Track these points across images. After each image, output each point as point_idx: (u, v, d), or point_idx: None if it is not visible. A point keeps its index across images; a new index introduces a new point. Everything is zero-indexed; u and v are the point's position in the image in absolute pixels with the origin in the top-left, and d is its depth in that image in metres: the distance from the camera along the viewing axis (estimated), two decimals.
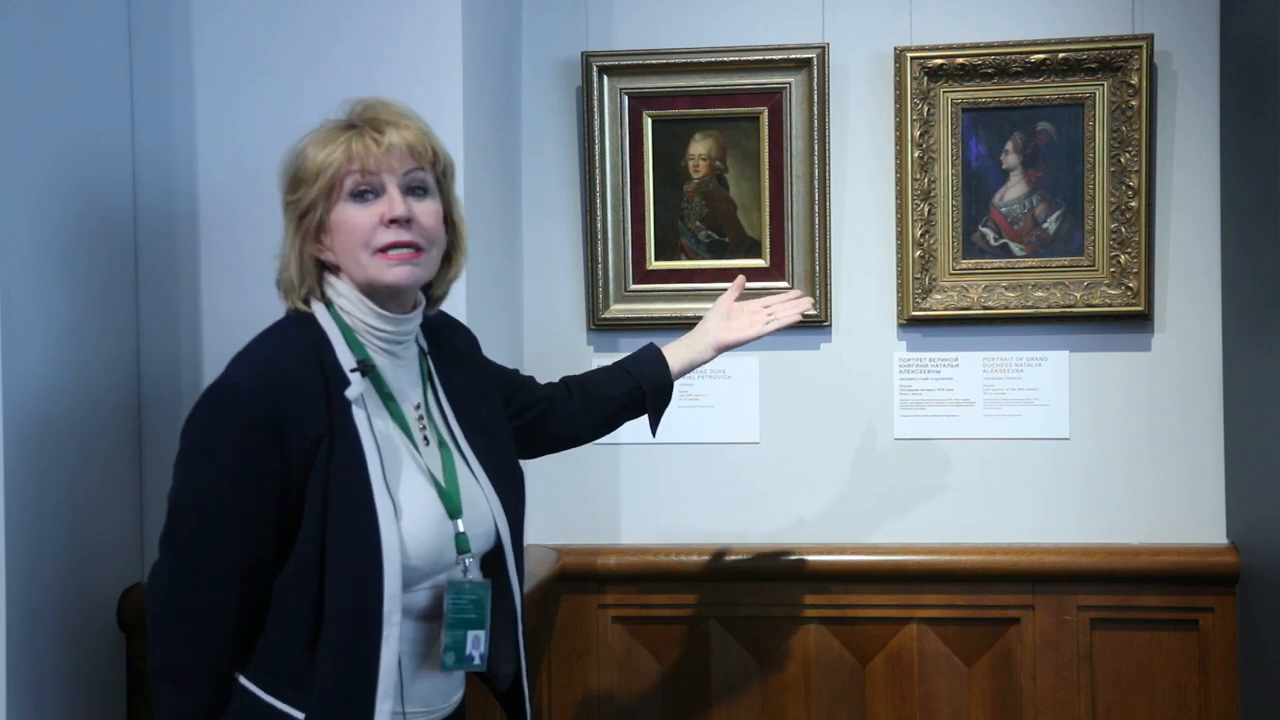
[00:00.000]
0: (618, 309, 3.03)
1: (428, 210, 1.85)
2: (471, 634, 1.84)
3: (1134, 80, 2.86)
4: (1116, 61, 2.86)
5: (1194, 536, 2.92)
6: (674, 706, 3.02)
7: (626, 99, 3.00)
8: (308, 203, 1.82)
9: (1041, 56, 2.89)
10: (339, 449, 1.76)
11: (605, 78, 2.99)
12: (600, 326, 3.04)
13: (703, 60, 2.97)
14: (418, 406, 1.91)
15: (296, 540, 1.75)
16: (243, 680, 1.78)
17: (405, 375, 1.91)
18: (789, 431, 3.02)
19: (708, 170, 3.01)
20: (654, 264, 3.02)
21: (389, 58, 2.48)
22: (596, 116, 2.99)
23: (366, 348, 1.85)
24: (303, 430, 1.74)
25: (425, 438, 1.89)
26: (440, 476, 1.87)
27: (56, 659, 2.15)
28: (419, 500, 1.81)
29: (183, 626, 1.76)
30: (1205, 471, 2.93)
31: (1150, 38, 2.86)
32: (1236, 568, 2.85)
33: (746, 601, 2.99)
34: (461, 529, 1.84)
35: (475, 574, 1.86)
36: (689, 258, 3.02)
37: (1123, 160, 2.88)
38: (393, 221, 1.81)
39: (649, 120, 3.01)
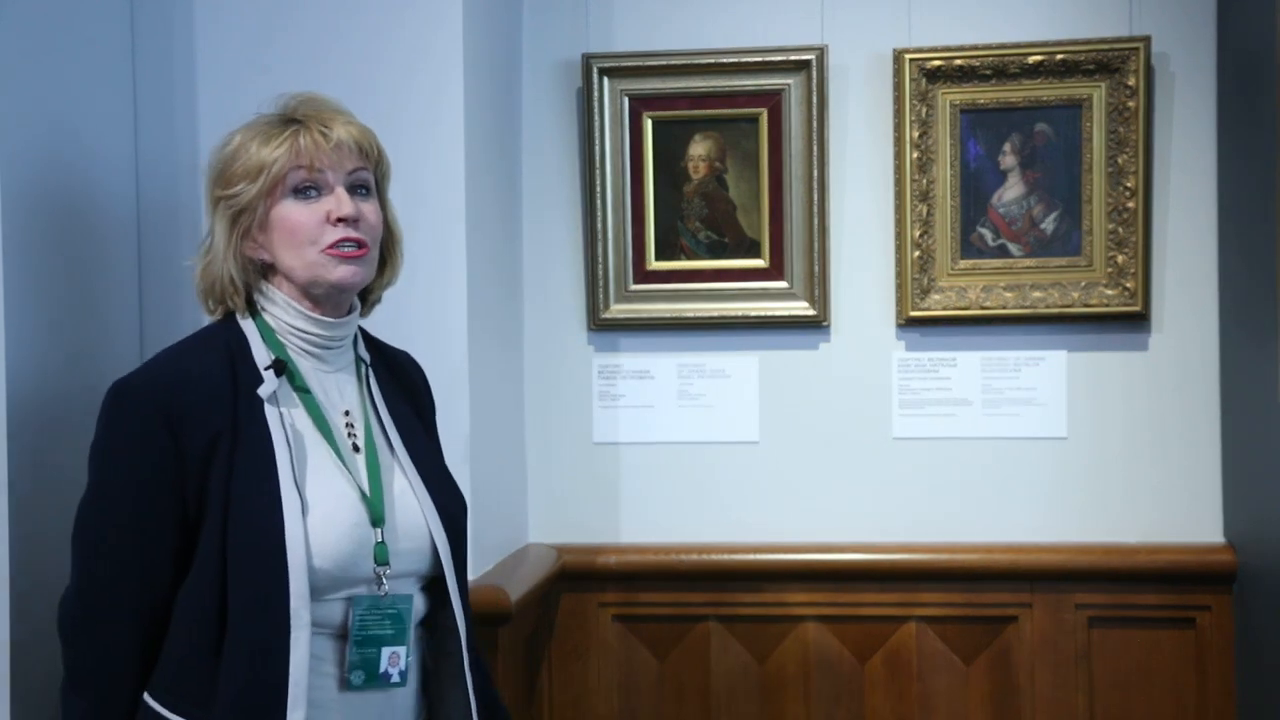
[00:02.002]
0: (618, 309, 3.04)
1: (371, 210, 1.81)
2: (388, 651, 1.74)
3: (1131, 82, 2.87)
4: (1114, 63, 2.88)
5: (1191, 535, 2.93)
6: (674, 705, 3.03)
7: (627, 100, 3.01)
8: (246, 200, 1.76)
9: (1039, 58, 2.90)
10: (243, 444, 1.70)
11: (605, 79, 3.01)
12: (600, 326, 3.05)
13: (702, 62, 2.98)
14: (347, 413, 1.84)
15: (198, 543, 1.69)
16: (148, 698, 1.71)
17: (334, 381, 1.85)
18: (788, 431, 3.03)
19: (707, 171, 3.02)
20: (654, 264, 3.04)
21: (389, 58, 2.49)
22: (597, 118, 3.01)
23: (287, 349, 1.81)
24: (201, 426, 1.69)
25: (355, 445, 1.82)
26: (365, 482, 1.79)
27: (59, 659, 2.16)
28: (334, 500, 1.73)
29: (88, 635, 1.71)
30: (1202, 471, 2.93)
31: (1148, 39, 2.87)
32: (1233, 567, 2.86)
33: (746, 600, 3.00)
34: (381, 538, 1.76)
35: (395, 588, 1.76)
36: (689, 258, 3.03)
37: (1120, 161, 2.89)
38: (340, 220, 1.76)
39: (649, 121, 3.02)
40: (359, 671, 1.73)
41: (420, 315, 2.50)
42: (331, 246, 1.76)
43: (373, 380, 1.90)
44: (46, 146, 2.19)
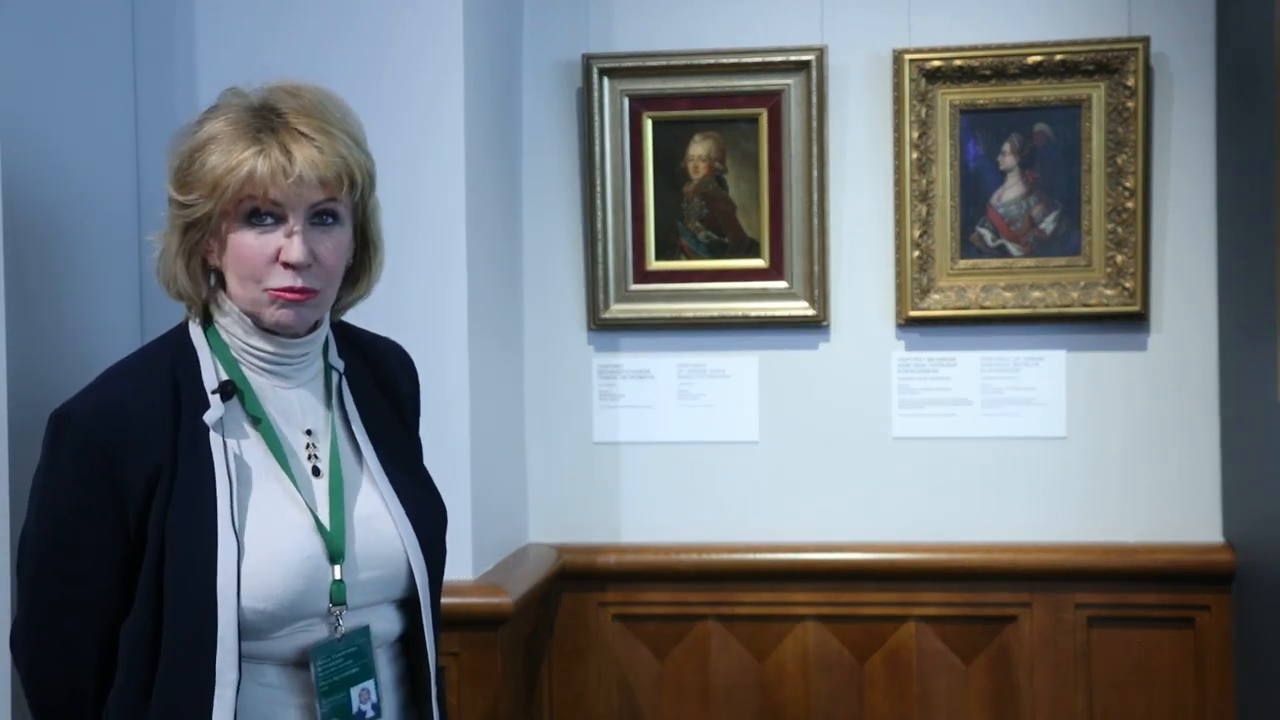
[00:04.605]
0: (618, 309, 3.05)
1: (330, 247, 1.63)
2: (356, 689, 1.63)
3: (1130, 82, 2.87)
4: (1113, 63, 2.88)
5: (1190, 535, 2.93)
6: (673, 704, 3.03)
7: (627, 100, 3.02)
8: (199, 215, 1.61)
9: (1039, 58, 2.90)
10: (183, 479, 1.58)
11: (605, 79, 3.01)
12: (600, 326, 3.05)
13: (702, 62, 2.98)
14: (308, 432, 1.70)
15: (138, 580, 1.59)
16: None
17: (295, 397, 1.70)
18: (788, 431, 3.04)
19: (707, 171, 3.03)
20: (654, 264, 3.04)
21: (389, 59, 2.49)
22: (597, 118, 3.01)
23: (242, 366, 1.67)
24: (140, 460, 1.57)
25: (316, 469, 1.68)
26: (325, 514, 1.65)
27: None
28: (282, 538, 1.60)
29: (41, 665, 1.64)
30: (1201, 470, 2.94)
31: (1147, 40, 2.87)
32: (1232, 566, 2.86)
33: (745, 599, 3.00)
34: (338, 576, 1.62)
35: (348, 624, 1.64)
36: (689, 258, 3.04)
37: (1119, 161, 2.89)
38: (288, 265, 1.60)
39: (649, 122, 3.03)
40: (335, 719, 1.63)
41: (420, 315, 2.50)
42: (274, 289, 1.61)
43: (345, 389, 1.76)
44: (46, 146, 2.19)
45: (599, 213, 3.02)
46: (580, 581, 3.02)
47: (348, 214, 1.67)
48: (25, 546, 1.64)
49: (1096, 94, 2.90)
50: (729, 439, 3.05)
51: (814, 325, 3.00)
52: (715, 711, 3.02)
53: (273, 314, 1.63)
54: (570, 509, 3.08)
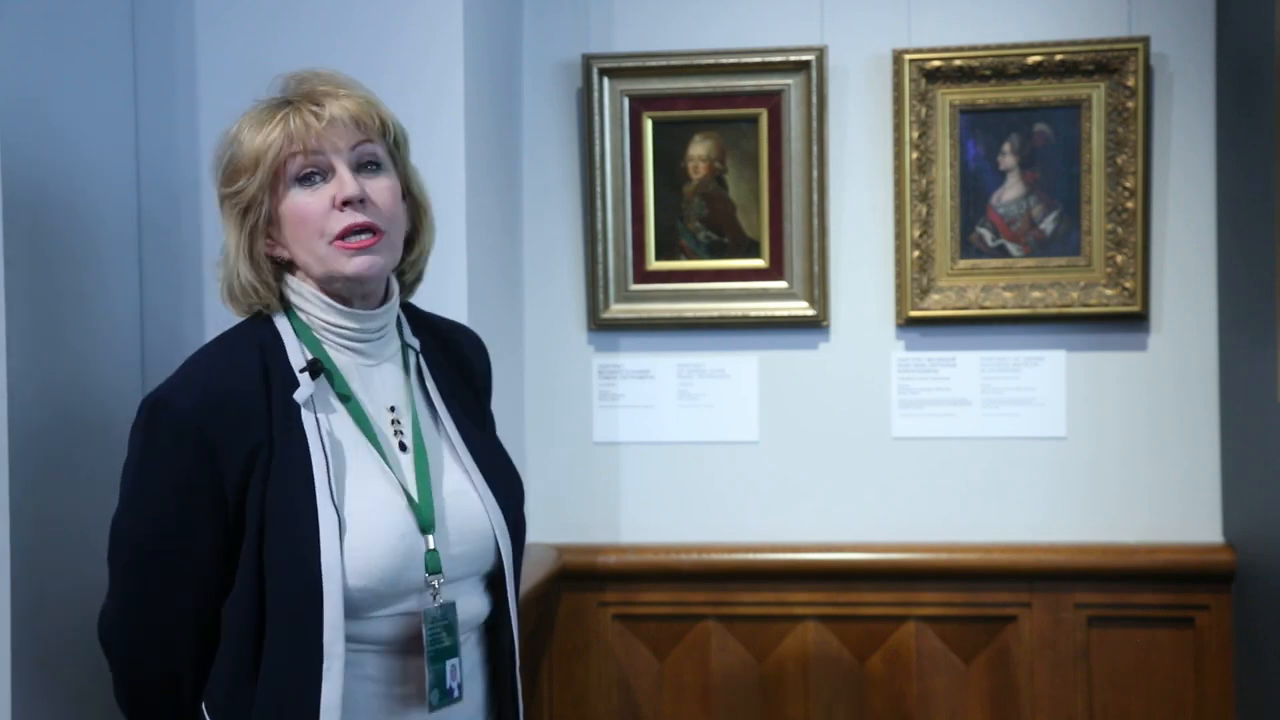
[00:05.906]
0: (618, 309, 3.05)
1: (382, 187, 1.68)
2: (449, 663, 1.66)
3: (1130, 82, 2.87)
4: (1113, 63, 2.88)
5: (1190, 535, 2.93)
6: (673, 704, 3.04)
7: (627, 101, 3.02)
8: (250, 195, 1.66)
9: (1038, 58, 2.90)
10: (279, 457, 1.61)
11: (606, 79, 3.01)
12: (600, 326, 3.05)
13: (702, 62, 2.99)
14: (392, 408, 1.73)
15: (239, 557, 1.61)
16: (203, 708, 1.68)
17: (377, 374, 1.73)
18: (788, 431, 3.04)
19: (707, 171, 3.03)
20: (654, 264, 3.04)
21: (390, 59, 2.49)
22: (597, 118, 3.01)
23: (324, 345, 1.70)
24: (238, 441, 1.60)
25: (402, 444, 1.71)
26: (412, 486, 1.68)
27: (61, 663, 2.16)
28: (378, 513, 1.63)
29: (141, 648, 1.67)
30: (1201, 470, 2.94)
31: (1146, 40, 2.87)
32: (1232, 566, 2.86)
33: (745, 599, 3.00)
34: (432, 545, 1.66)
35: (443, 596, 1.67)
36: (689, 258, 3.04)
37: (1119, 161, 2.90)
38: (345, 203, 1.64)
39: (649, 122, 3.03)
40: (435, 691, 1.65)
41: None
42: (340, 236, 1.64)
43: (424, 368, 1.80)
44: (47, 146, 2.19)
45: (599, 213, 3.02)
46: (580, 581, 3.03)
47: (390, 163, 1.72)
48: (119, 535, 1.66)
49: (1096, 94, 2.90)
50: (729, 439, 3.05)
51: (814, 325, 3.00)
52: (715, 711, 3.02)
53: (348, 265, 1.65)
54: (570, 509, 3.09)
